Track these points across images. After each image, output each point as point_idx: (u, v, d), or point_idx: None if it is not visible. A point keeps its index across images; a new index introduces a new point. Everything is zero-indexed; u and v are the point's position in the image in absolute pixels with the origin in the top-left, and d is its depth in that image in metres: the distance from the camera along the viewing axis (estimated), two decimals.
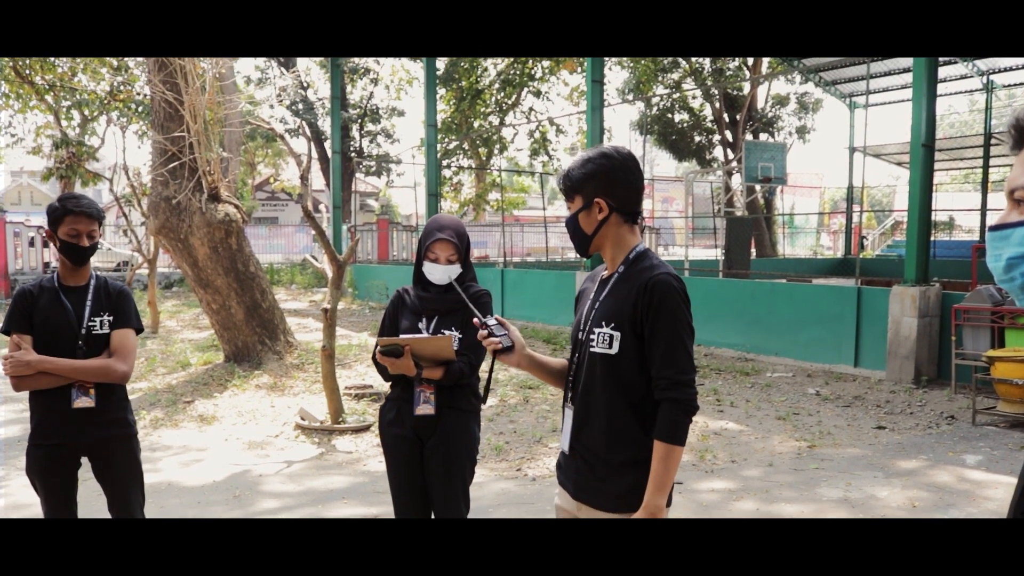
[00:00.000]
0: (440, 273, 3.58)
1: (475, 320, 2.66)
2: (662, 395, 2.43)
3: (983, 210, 23.02)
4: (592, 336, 2.51)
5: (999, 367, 7.99)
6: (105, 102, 26.31)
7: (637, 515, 2.42)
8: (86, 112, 27.87)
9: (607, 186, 2.49)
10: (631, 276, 2.51)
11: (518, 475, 6.63)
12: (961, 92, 27.78)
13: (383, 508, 5.67)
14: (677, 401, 2.40)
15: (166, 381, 10.30)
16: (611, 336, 2.46)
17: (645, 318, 2.43)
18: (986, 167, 22.56)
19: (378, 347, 3.61)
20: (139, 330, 3.77)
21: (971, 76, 23.41)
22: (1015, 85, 26.32)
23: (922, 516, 5.56)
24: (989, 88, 23.94)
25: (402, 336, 3.48)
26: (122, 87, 26.19)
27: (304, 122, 31.09)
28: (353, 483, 6.42)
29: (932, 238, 13.45)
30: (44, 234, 3.66)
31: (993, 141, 21.54)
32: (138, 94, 25.62)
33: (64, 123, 27.40)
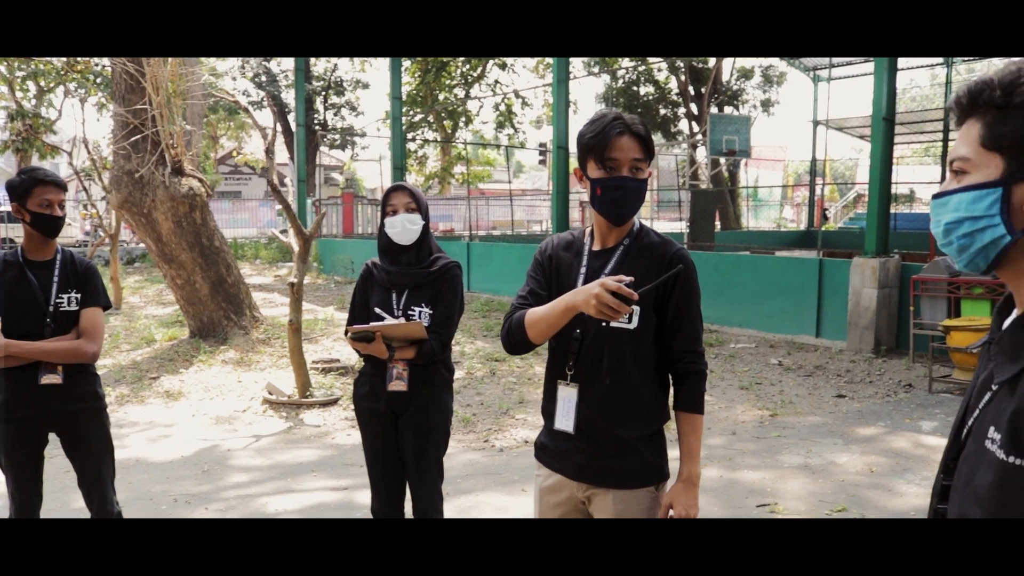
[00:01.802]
0: (401, 224, 3.59)
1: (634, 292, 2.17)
2: (689, 368, 2.47)
3: (942, 183, 23.36)
4: None
5: (954, 336, 8.17)
6: (62, 73, 25.79)
7: (680, 483, 2.44)
8: (42, 83, 27.33)
9: None
10: (643, 250, 2.46)
11: (485, 446, 6.70)
12: (922, 66, 28.07)
13: (352, 480, 5.71)
14: (702, 373, 2.49)
15: (131, 357, 10.23)
16: (631, 310, 2.36)
17: (670, 293, 2.42)
18: (946, 140, 22.88)
19: (348, 333, 3.64)
20: (107, 307, 3.76)
21: None
22: (974, 59, 26.67)
23: (880, 480, 5.71)
24: (949, 63, 24.23)
25: (372, 324, 3.50)
26: (80, 58, 25.70)
27: (268, 94, 30.75)
28: (322, 456, 6.46)
29: (893, 211, 13.67)
30: (12, 209, 3.58)
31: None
32: (97, 65, 25.15)
33: (19, 94, 26.84)
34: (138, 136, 9.81)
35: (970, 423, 1.36)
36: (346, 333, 3.72)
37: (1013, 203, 1.28)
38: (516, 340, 2.44)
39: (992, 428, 1.27)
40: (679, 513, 2.44)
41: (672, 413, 2.54)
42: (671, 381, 2.55)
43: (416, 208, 3.62)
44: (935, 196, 1.39)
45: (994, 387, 1.32)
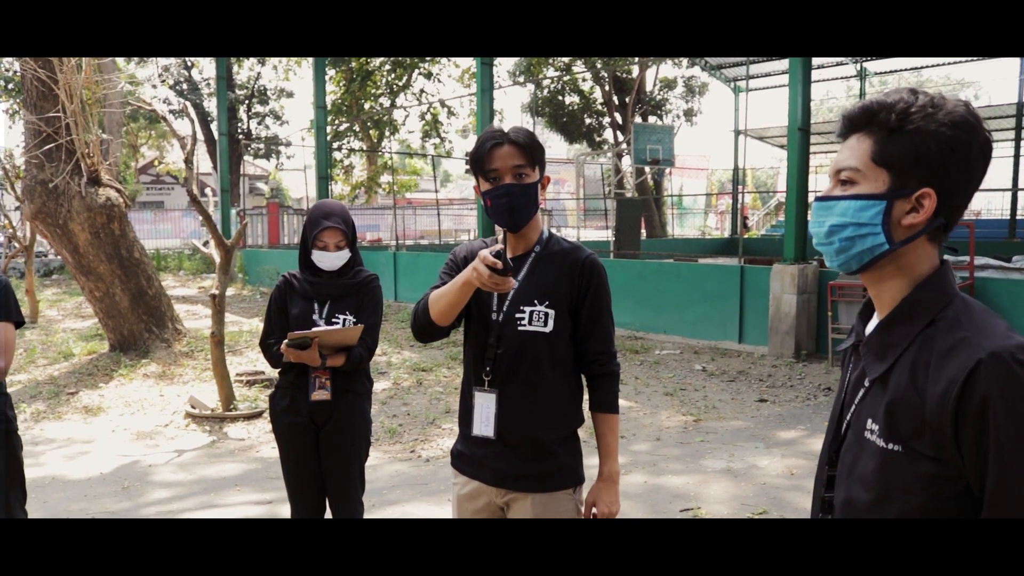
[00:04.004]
0: (330, 261, 3.60)
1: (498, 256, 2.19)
2: (603, 369, 2.56)
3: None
4: (520, 315, 2.47)
5: None
6: None
7: (601, 482, 2.53)
8: None
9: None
10: (554, 256, 2.52)
11: (412, 456, 6.68)
12: (838, 78, 29.01)
13: (276, 494, 5.64)
14: (615, 374, 2.58)
15: (47, 372, 9.94)
16: (546, 314, 2.46)
17: (584, 297, 2.49)
18: None
19: (267, 336, 3.62)
20: (20, 323, 3.63)
21: (846, 63, 24.40)
22: (886, 72, 27.66)
23: (800, 482, 5.86)
24: (863, 75, 25.03)
25: (313, 330, 3.48)
26: None
27: (189, 103, 30.20)
28: (246, 470, 6.36)
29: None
30: None
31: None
32: (7, 70, 24.37)
33: None
34: (51, 145, 9.54)
35: (848, 417, 1.52)
36: (264, 344, 3.69)
37: (893, 216, 1.43)
38: (422, 323, 2.48)
39: (870, 420, 1.45)
40: (602, 511, 2.52)
41: (587, 415, 2.59)
42: (585, 383, 2.61)
43: (346, 245, 3.63)
44: (819, 199, 1.52)
45: (867, 384, 1.48)
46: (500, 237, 2.56)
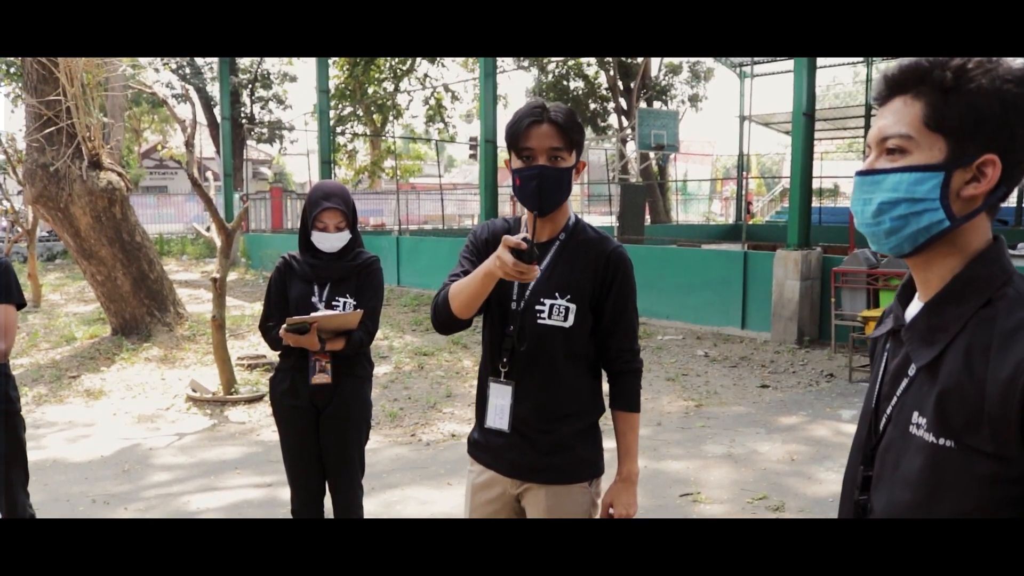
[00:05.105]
0: (330, 242, 3.56)
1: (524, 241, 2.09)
2: (626, 367, 2.46)
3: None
4: (540, 307, 2.37)
5: (872, 326, 8.38)
6: None
7: (619, 482, 2.47)
8: None
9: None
10: (579, 246, 2.42)
11: (412, 440, 6.67)
12: (845, 64, 28.81)
13: (276, 477, 5.64)
14: (638, 372, 2.49)
15: (50, 356, 9.95)
16: (567, 308, 2.36)
17: (608, 291, 2.39)
18: (866, 136, 23.46)
19: (267, 319, 3.61)
20: (21, 305, 3.63)
21: None
22: (893, 58, 27.43)
23: (800, 468, 5.84)
24: (869, 62, 24.87)
25: (312, 315, 3.45)
26: None
27: (191, 87, 30.12)
28: (246, 453, 6.36)
29: (818, 204, 13.96)
30: None
31: (873, 112, 22.39)
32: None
33: None
34: (52, 128, 9.52)
35: (888, 411, 1.36)
36: (264, 327, 3.68)
37: (952, 188, 1.27)
38: (443, 316, 2.37)
39: (916, 413, 1.28)
40: (619, 513, 2.45)
41: (607, 406, 2.52)
42: (606, 377, 2.52)
43: (346, 226, 3.58)
44: (863, 173, 1.34)
45: (911, 373, 1.32)
46: (525, 218, 2.47)
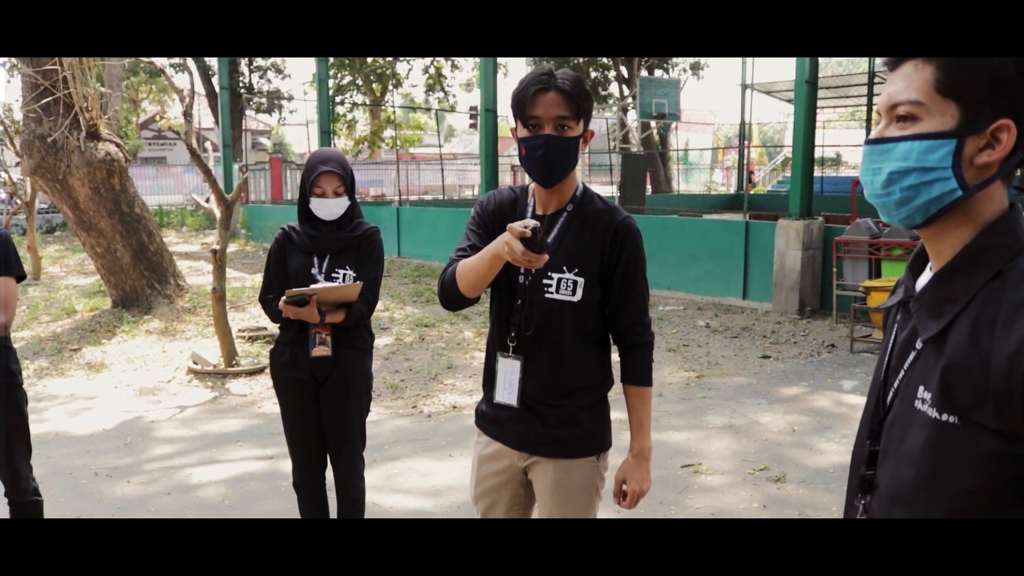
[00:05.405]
0: (329, 208, 3.53)
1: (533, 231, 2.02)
2: (636, 340, 2.41)
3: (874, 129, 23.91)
4: (548, 281, 2.33)
5: (874, 297, 8.37)
6: None
7: (632, 458, 2.42)
8: None
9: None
10: (586, 218, 2.36)
11: (414, 412, 6.68)
12: None
13: (278, 449, 5.64)
14: (649, 345, 2.43)
15: (50, 329, 9.94)
16: (575, 283, 2.31)
17: (616, 263, 2.35)
18: (870, 105, 23.29)
19: (267, 291, 3.59)
20: (20, 277, 3.60)
21: None
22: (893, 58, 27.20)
23: (801, 439, 5.85)
24: None
25: (312, 287, 3.42)
26: None
27: (188, 56, 29.89)
28: (248, 425, 6.37)
29: (820, 174, 13.88)
30: None
31: (876, 80, 22.21)
32: None
33: None
34: (49, 98, 9.45)
35: (896, 384, 1.33)
36: (264, 299, 3.66)
37: (964, 156, 1.22)
38: (450, 293, 2.33)
39: (921, 388, 1.25)
40: (632, 489, 2.41)
41: (617, 379, 2.49)
42: (616, 351, 2.48)
43: (344, 191, 3.55)
44: (872, 141, 1.30)
45: (919, 346, 1.28)
46: (532, 187, 2.42)
